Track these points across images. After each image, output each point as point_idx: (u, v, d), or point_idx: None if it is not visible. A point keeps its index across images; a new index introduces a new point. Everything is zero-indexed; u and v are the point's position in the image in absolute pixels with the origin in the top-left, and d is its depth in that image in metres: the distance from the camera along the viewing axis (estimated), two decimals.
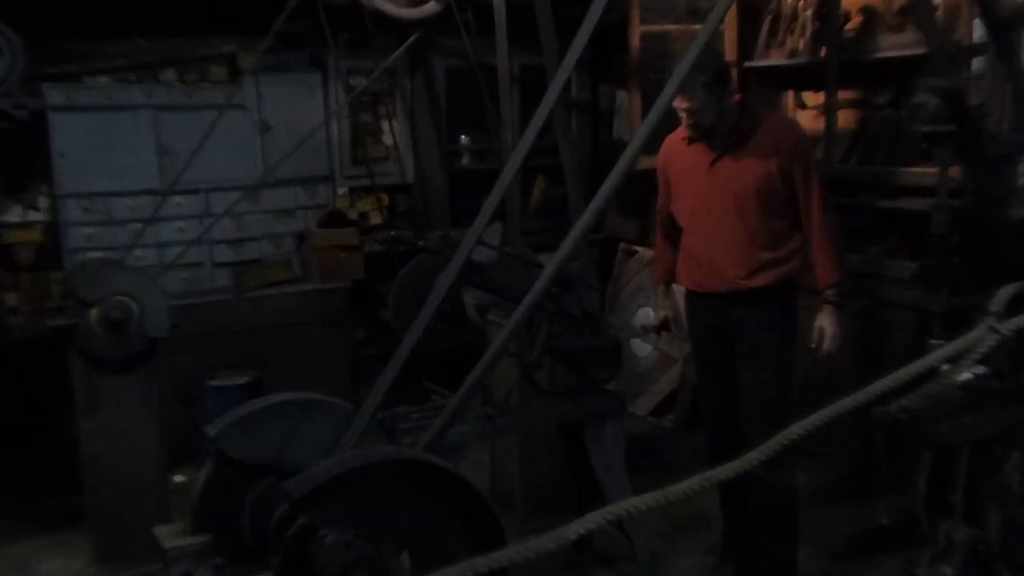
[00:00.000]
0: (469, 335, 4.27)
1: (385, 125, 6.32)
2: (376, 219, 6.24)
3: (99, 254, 5.25)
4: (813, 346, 3.78)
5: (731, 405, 3.88)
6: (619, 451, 3.78)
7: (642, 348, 6.10)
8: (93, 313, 4.09)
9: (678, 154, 3.92)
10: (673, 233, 4.04)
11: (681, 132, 3.87)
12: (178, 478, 3.98)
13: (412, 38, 5.14)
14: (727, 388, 3.89)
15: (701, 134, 3.75)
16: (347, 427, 2.72)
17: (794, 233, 3.78)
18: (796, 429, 2.30)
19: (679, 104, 3.61)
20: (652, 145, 4.37)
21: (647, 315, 5.86)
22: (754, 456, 2.31)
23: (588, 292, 3.80)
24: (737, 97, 3.79)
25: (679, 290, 4.19)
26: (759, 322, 3.76)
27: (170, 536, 2.56)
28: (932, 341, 3.03)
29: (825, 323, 3.74)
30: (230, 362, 5.34)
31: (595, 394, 3.74)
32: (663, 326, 4.33)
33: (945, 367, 2.59)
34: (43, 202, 5.48)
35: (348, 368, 5.80)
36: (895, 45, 4.89)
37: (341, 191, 6.19)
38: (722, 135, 3.72)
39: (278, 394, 2.88)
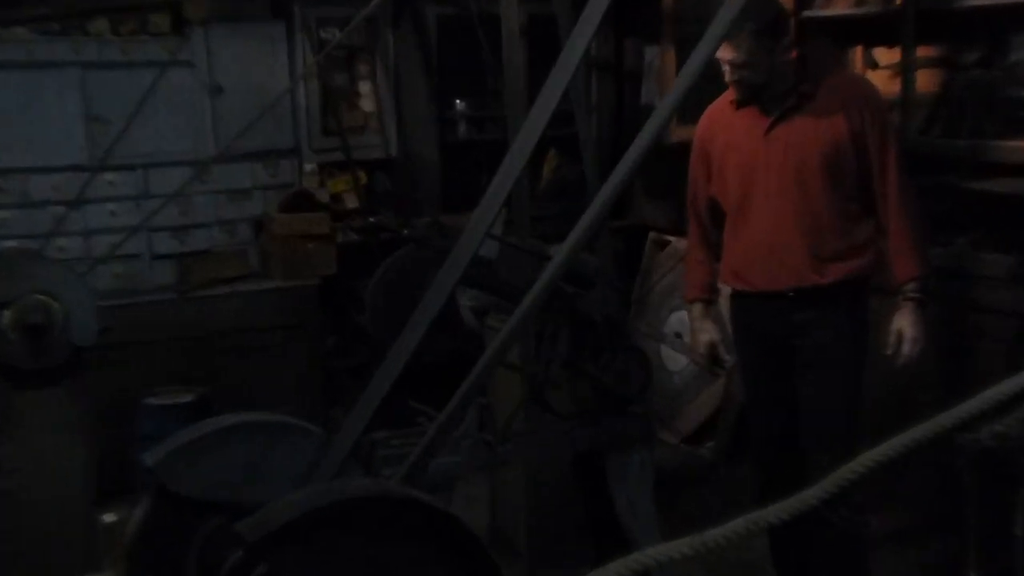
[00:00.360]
0: (464, 344, 4.25)
1: (363, 88, 6.29)
2: (352, 202, 6.22)
3: (14, 243, 5.23)
4: (889, 353, 3.70)
5: (788, 430, 3.85)
6: (647, 486, 3.73)
7: (676, 360, 6.02)
8: (7, 315, 4.09)
9: (724, 123, 3.87)
10: (712, 232, 4.00)
11: (728, 96, 3.84)
12: (109, 517, 3.95)
13: None
14: (783, 409, 3.86)
15: (750, 95, 3.72)
16: (317, 456, 2.71)
17: (867, 218, 3.75)
18: (866, 460, 2.27)
19: (723, 55, 3.56)
20: (690, 113, 4.44)
21: (682, 320, 5.77)
22: (814, 493, 2.28)
23: (610, 292, 3.77)
24: (795, 53, 3.77)
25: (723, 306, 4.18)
26: (826, 328, 3.72)
27: None
28: None
29: (904, 324, 3.67)
30: (173, 376, 5.22)
31: (618, 417, 3.70)
32: (713, 359, 4.13)
33: None
34: None
35: (317, 384, 5.79)
36: None
37: (309, 168, 6.16)
38: (778, 96, 3.69)
39: (231, 415, 2.85)
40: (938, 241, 4.87)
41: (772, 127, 3.70)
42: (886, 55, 5.63)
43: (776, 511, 2.01)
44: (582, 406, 3.73)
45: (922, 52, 5.23)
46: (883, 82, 5.63)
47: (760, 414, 4.05)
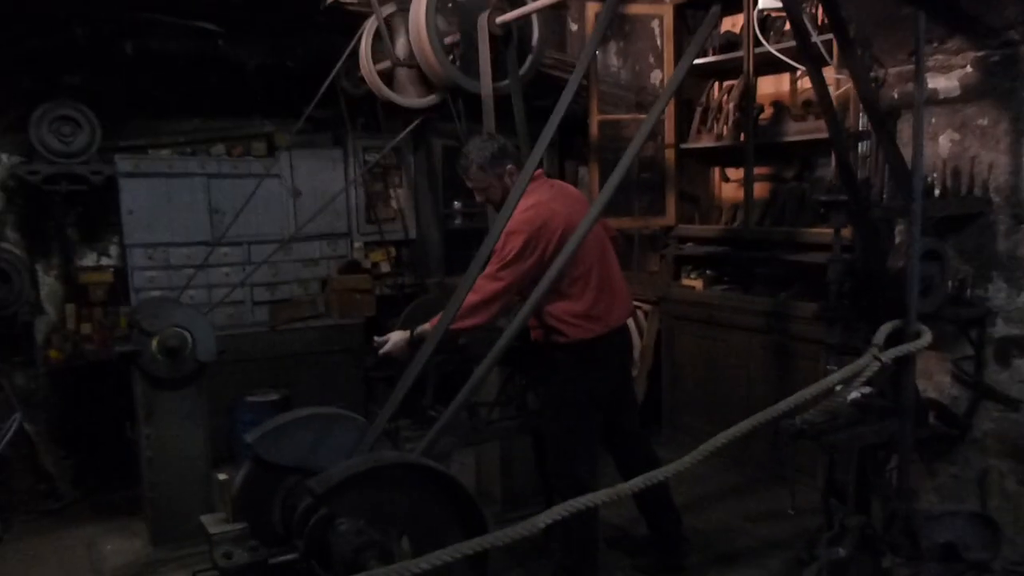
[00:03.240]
0: (461, 362, 4.13)
1: (393, 192, 6.29)
2: (385, 267, 6.18)
3: (159, 293, 5.23)
4: None
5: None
6: None
7: None
8: (153, 342, 4.06)
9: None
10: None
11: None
12: (221, 476, 3.83)
13: (415, 122, 5.13)
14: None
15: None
16: (360, 436, 2.69)
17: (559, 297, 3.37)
18: (721, 438, 2.36)
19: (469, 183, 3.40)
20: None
21: None
22: (688, 460, 2.34)
23: None
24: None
25: None
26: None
27: (214, 523, 2.53)
28: (828, 367, 3.08)
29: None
30: (264, 382, 5.27)
31: None
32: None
33: (839, 388, 2.69)
34: (114, 250, 5.45)
35: (360, 388, 5.73)
36: (800, 131, 4.98)
37: (357, 245, 6.14)
38: None
39: (304, 408, 2.85)
40: (768, 294, 4.95)
41: None
42: (735, 172, 5.75)
43: (639, 481, 2.21)
44: (537, 404, 3.72)
45: (758, 170, 5.26)
46: (732, 190, 5.75)
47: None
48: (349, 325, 5.74)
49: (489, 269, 3.19)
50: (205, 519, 2.58)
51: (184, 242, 5.47)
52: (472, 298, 3.10)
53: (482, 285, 3.16)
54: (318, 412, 2.79)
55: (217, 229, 5.46)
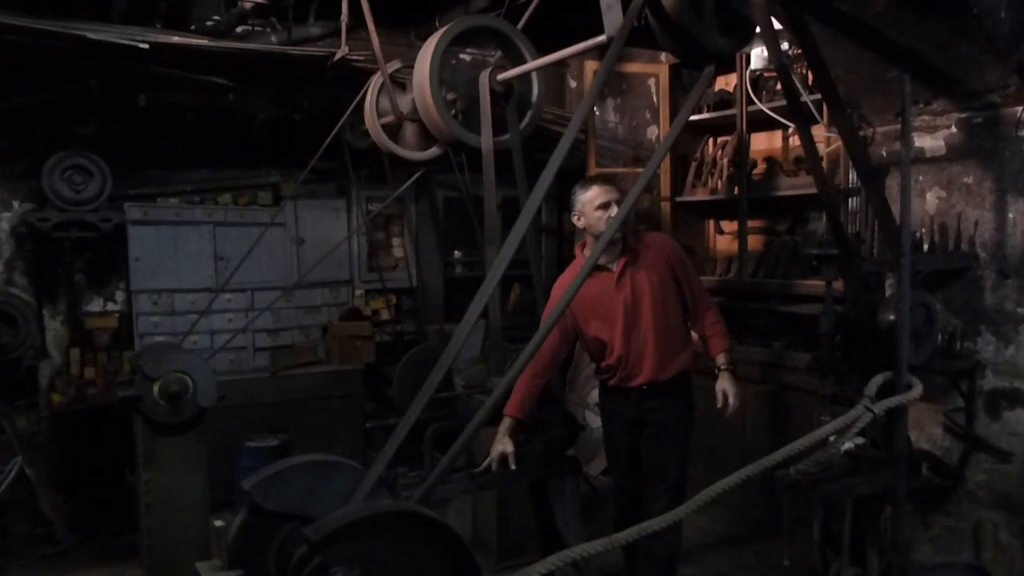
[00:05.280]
0: (459, 410, 4.01)
1: (395, 241, 6.30)
2: (385, 315, 6.18)
3: (163, 338, 5.22)
4: (718, 407, 3.32)
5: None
6: (575, 503, 3.68)
7: (595, 419, 5.68)
8: (155, 386, 4.04)
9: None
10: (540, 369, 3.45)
11: (573, 269, 3.54)
12: (218, 522, 3.78)
13: (418, 174, 5.18)
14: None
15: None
16: (357, 484, 2.66)
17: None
18: (717, 487, 2.33)
19: (609, 196, 3.34)
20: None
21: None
22: (683, 509, 2.31)
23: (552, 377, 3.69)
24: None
25: None
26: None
27: (209, 571, 2.51)
28: (822, 417, 3.06)
29: (726, 386, 3.34)
30: (265, 428, 5.23)
31: (557, 458, 3.67)
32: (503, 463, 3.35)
33: (832, 438, 2.66)
34: (120, 296, 5.47)
35: (359, 435, 5.68)
36: (792, 186, 5.01)
37: (358, 292, 6.13)
38: (616, 253, 3.37)
39: (302, 455, 2.82)
40: (762, 344, 4.94)
41: (620, 278, 3.38)
42: (729, 225, 5.76)
43: (656, 522, 2.17)
44: (533, 451, 3.60)
45: (752, 223, 5.29)
46: (727, 243, 5.77)
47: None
48: (349, 371, 5.70)
49: (699, 283, 3.45)
50: (200, 566, 2.54)
51: (189, 288, 5.47)
52: (716, 316, 3.49)
53: (710, 298, 3.51)
54: (315, 459, 2.75)
55: (222, 276, 5.46)
